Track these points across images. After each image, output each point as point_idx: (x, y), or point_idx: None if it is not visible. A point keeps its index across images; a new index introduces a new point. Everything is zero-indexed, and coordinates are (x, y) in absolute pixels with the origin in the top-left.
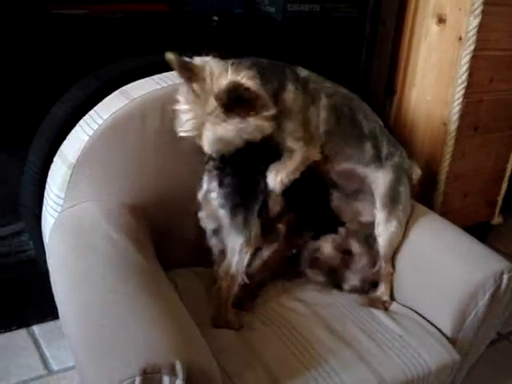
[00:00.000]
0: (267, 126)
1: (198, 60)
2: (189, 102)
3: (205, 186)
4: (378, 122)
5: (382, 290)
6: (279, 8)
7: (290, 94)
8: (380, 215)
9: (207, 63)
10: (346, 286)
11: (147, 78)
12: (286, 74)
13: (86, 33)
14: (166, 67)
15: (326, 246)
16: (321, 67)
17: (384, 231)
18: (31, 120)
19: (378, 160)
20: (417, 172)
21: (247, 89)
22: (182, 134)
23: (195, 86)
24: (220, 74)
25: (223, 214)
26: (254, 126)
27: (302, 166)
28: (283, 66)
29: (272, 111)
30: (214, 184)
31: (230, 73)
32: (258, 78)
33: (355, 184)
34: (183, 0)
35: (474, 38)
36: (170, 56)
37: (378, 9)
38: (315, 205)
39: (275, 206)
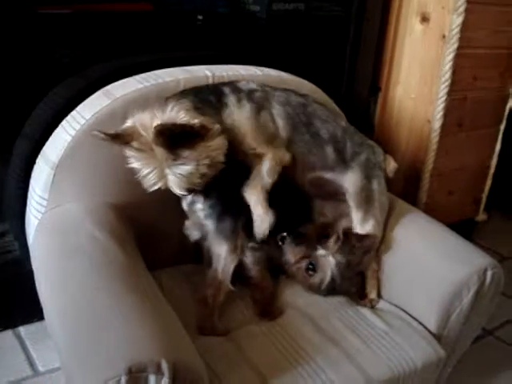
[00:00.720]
0: (221, 143)
1: (126, 122)
2: (139, 160)
3: (189, 196)
4: (340, 123)
5: (368, 288)
6: (264, 7)
7: (232, 107)
8: (356, 216)
9: (135, 120)
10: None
11: (129, 78)
12: (223, 91)
13: (71, 32)
14: (149, 66)
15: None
16: (305, 65)
17: (362, 231)
18: (14, 121)
19: (342, 162)
20: (392, 164)
21: (174, 124)
22: (151, 189)
23: (135, 144)
24: (151, 121)
25: (209, 223)
26: (207, 149)
27: (275, 172)
28: (221, 85)
29: (216, 127)
30: (200, 196)
31: (158, 116)
32: (191, 106)
33: (328, 189)
34: None
35: (458, 36)
36: (98, 136)
37: (362, 7)
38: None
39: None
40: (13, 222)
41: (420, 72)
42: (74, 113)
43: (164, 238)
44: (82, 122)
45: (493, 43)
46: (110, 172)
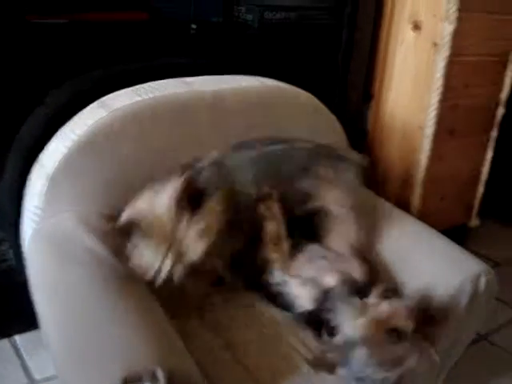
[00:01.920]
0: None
1: (125, 213)
2: (150, 246)
3: None
4: (311, 145)
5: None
6: (256, 16)
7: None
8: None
9: (132, 210)
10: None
11: (126, 89)
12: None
13: (66, 42)
14: (144, 74)
15: None
16: (298, 74)
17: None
18: (8, 129)
19: (318, 185)
20: (357, 157)
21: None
22: (176, 279)
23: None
24: (150, 206)
25: None
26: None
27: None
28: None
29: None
30: None
31: (161, 191)
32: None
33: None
34: (162, 8)
35: (449, 44)
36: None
37: (354, 16)
38: None
39: None
40: (8, 231)
41: (412, 79)
42: (70, 124)
43: None
44: (79, 133)
45: (484, 51)
46: (104, 183)
